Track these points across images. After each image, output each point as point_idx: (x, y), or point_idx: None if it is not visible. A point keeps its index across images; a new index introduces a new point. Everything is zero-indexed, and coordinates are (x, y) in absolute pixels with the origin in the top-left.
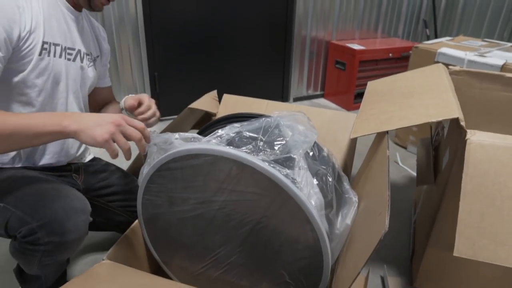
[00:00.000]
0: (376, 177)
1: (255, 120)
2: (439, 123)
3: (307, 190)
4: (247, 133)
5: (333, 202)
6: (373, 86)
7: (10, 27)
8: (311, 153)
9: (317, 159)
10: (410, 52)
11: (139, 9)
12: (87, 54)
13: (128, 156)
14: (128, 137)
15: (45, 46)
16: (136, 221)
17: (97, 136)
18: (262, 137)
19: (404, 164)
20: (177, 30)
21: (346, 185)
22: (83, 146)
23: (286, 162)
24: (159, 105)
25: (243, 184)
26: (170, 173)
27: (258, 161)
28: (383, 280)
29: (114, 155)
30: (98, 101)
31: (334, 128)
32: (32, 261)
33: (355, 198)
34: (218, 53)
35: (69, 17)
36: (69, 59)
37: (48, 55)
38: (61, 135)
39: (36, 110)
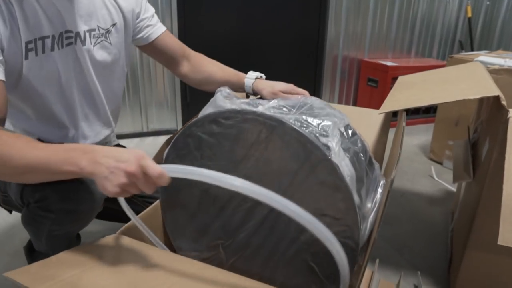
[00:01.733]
0: (393, 148)
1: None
2: (478, 119)
3: (339, 160)
4: (283, 104)
5: (364, 180)
6: (403, 79)
7: None
8: (344, 133)
9: (350, 140)
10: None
11: (174, 25)
12: (92, 30)
13: None
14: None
15: (30, 46)
16: (156, 202)
17: (107, 189)
18: (296, 110)
19: (440, 178)
20: (209, 45)
21: (377, 170)
22: (109, 132)
23: (319, 126)
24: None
25: (272, 148)
26: (196, 139)
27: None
28: None
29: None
30: (165, 54)
31: (362, 124)
32: (42, 229)
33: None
34: (249, 69)
35: None
36: (69, 44)
37: (37, 54)
38: (79, 175)
39: (49, 105)
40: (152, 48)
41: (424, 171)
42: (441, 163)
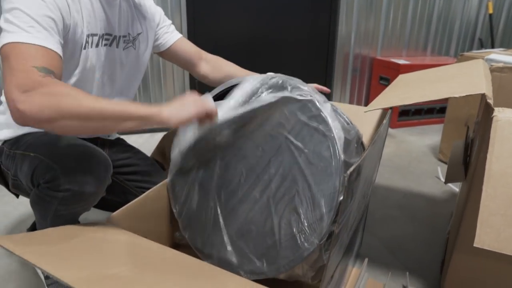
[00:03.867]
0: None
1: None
2: (476, 118)
3: (331, 118)
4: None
5: (353, 155)
6: (402, 77)
7: (61, 16)
8: (341, 117)
9: (346, 123)
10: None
11: (183, 24)
12: (124, 36)
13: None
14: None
15: (88, 39)
16: (148, 192)
17: (186, 114)
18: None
19: None
20: (219, 44)
21: None
22: None
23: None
24: None
25: (274, 110)
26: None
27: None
28: None
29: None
30: (182, 58)
31: (357, 122)
32: (49, 208)
33: None
34: (258, 68)
35: (107, 3)
36: (105, 44)
37: (91, 47)
38: (153, 119)
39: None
40: (170, 53)
41: (431, 171)
42: None
